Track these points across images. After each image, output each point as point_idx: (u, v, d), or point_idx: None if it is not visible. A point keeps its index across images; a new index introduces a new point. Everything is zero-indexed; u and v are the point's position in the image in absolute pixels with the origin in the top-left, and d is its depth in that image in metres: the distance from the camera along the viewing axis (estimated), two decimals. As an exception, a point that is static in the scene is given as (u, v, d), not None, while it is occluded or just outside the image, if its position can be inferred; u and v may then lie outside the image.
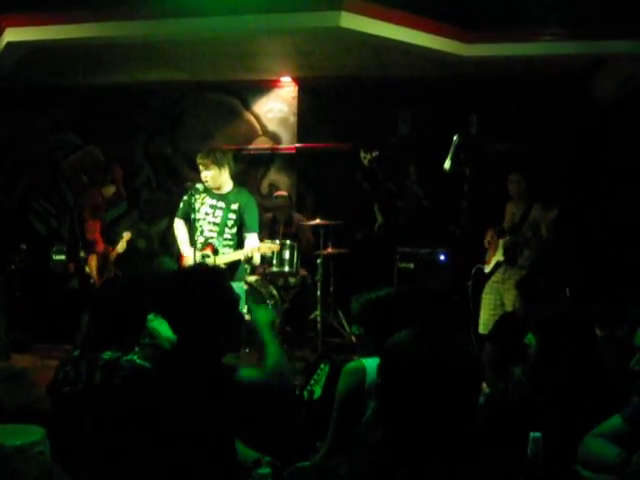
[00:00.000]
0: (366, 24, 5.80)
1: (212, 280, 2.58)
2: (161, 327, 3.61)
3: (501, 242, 6.07)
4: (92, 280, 6.66)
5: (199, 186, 5.72)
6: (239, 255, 5.66)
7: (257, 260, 5.85)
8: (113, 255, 7.07)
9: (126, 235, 7.37)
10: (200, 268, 2.73)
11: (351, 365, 2.84)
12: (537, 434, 2.05)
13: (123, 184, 8.29)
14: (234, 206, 5.77)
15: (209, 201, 5.77)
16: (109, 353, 3.03)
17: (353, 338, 3.07)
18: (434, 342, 1.69)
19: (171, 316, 2.54)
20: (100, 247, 6.88)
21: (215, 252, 5.72)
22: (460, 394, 1.66)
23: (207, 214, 5.76)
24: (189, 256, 5.71)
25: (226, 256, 5.69)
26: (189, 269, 2.69)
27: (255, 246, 5.65)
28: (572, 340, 2.74)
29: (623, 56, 6.48)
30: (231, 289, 2.65)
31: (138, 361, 3.00)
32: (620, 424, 2.45)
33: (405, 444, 1.66)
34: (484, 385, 4.10)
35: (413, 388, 1.65)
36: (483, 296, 6.17)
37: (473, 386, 1.70)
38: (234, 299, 2.60)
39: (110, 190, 7.17)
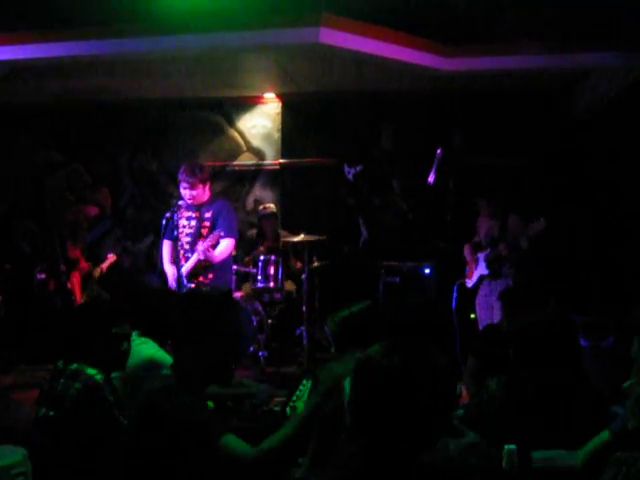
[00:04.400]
0: (345, 40, 5.81)
1: (226, 307, 2.60)
2: (141, 347, 3.61)
3: (481, 256, 6.09)
4: (73, 297, 6.64)
5: (181, 203, 5.75)
6: (194, 258, 5.67)
7: (214, 258, 5.70)
8: (96, 274, 7.06)
9: (111, 257, 7.37)
10: (217, 295, 2.73)
11: None
12: (512, 447, 2.05)
13: (110, 205, 8.28)
14: (207, 214, 5.80)
15: (185, 213, 5.85)
16: (75, 365, 3.05)
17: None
18: (404, 354, 1.69)
19: (176, 335, 2.55)
20: (82, 265, 6.86)
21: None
22: (431, 405, 1.66)
23: (184, 227, 5.84)
24: (170, 273, 5.79)
25: (187, 264, 5.72)
26: (206, 293, 2.70)
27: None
28: (548, 351, 2.73)
29: (602, 69, 6.55)
30: (239, 321, 2.68)
31: (97, 377, 3.01)
32: (607, 438, 2.43)
33: (379, 457, 1.66)
34: (466, 396, 4.11)
35: (384, 400, 1.65)
36: (477, 312, 6.17)
37: (444, 398, 1.70)
38: (240, 332, 2.63)
39: (92, 211, 7.16)
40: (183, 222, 5.82)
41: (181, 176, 5.77)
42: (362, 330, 2.87)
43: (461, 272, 6.51)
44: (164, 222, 5.83)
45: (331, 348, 3.02)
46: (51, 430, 3.02)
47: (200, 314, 2.51)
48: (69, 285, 6.77)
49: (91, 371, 3.03)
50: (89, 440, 2.92)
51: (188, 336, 2.49)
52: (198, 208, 5.83)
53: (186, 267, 5.72)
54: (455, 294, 6.27)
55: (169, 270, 5.86)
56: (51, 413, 3.02)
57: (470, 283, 6.21)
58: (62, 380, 3.03)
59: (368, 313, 3.00)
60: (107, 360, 3.18)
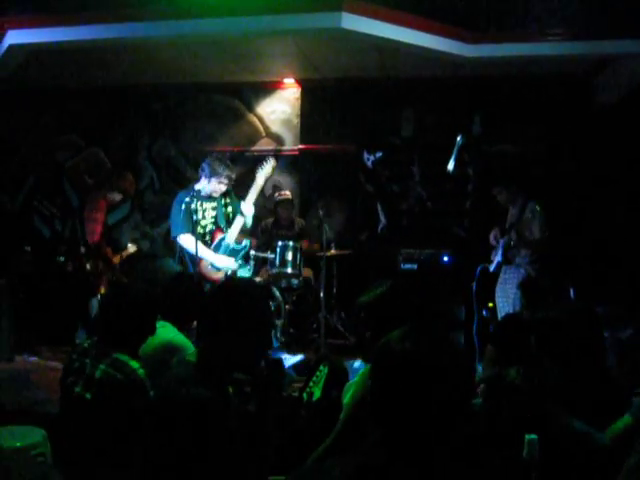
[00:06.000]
0: (367, 25, 5.78)
1: (260, 299, 2.60)
2: (160, 331, 3.62)
3: (501, 242, 6.09)
4: (92, 280, 6.67)
5: (199, 189, 6.02)
6: (241, 220, 6.12)
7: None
8: (117, 260, 7.07)
9: (131, 247, 7.37)
10: (251, 285, 2.72)
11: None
12: (533, 436, 2.03)
13: (133, 192, 8.29)
14: (226, 202, 6.24)
15: (206, 204, 6.10)
16: (118, 354, 3.05)
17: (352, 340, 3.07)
18: (421, 340, 1.67)
19: (208, 323, 2.55)
20: (102, 250, 6.87)
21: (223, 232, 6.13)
22: (447, 392, 1.63)
23: (205, 217, 6.08)
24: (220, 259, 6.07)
25: (235, 226, 6.11)
26: (244, 285, 2.70)
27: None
28: (573, 341, 2.71)
29: (626, 56, 6.46)
30: (270, 313, 2.67)
31: (140, 372, 3.02)
32: (630, 422, 2.46)
33: (398, 444, 1.64)
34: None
35: (402, 386, 1.63)
36: (496, 299, 6.16)
37: (461, 384, 1.66)
38: (271, 325, 2.65)
39: (116, 197, 7.18)
40: (208, 212, 6.10)
41: (225, 172, 6.02)
42: (389, 313, 2.82)
43: (479, 260, 6.48)
44: (183, 207, 5.85)
45: (366, 333, 2.96)
46: (86, 411, 3.02)
47: (238, 305, 2.51)
48: (88, 268, 6.79)
49: (135, 364, 3.04)
50: (126, 429, 2.92)
51: (223, 325, 2.49)
52: (215, 199, 6.16)
53: (235, 228, 6.12)
54: (477, 277, 6.24)
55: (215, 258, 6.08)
56: (88, 396, 3.01)
57: (491, 267, 6.21)
58: (102, 367, 3.02)
59: (394, 295, 2.95)
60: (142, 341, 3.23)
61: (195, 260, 5.86)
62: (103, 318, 3.25)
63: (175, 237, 6.06)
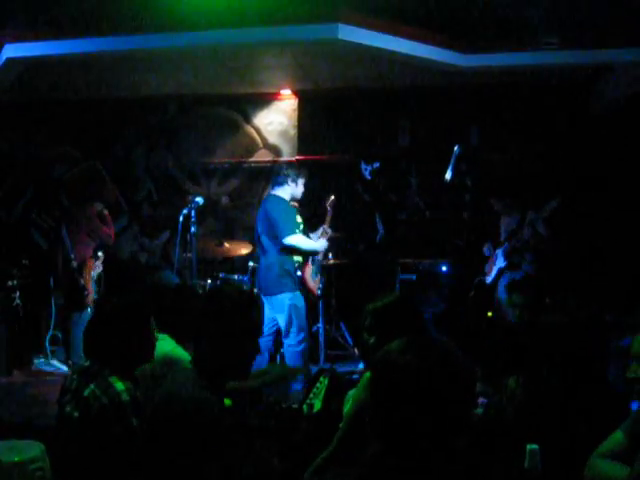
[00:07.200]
0: (364, 36, 5.80)
1: (247, 306, 2.59)
2: (159, 344, 3.60)
3: (499, 251, 6.09)
4: (86, 292, 6.61)
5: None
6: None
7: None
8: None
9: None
10: (239, 292, 2.71)
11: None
12: (534, 446, 2.01)
13: (124, 199, 8.27)
14: None
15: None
16: (107, 372, 3.01)
17: (356, 350, 3.06)
18: (422, 351, 1.65)
19: (196, 330, 2.54)
20: (89, 263, 6.81)
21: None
22: (449, 403, 1.61)
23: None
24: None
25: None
26: (230, 291, 2.67)
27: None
28: (577, 350, 2.69)
29: (622, 65, 6.48)
30: (258, 320, 2.67)
31: (124, 396, 2.97)
32: (621, 439, 2.32)
33: (397, 456, 1.63)
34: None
35: (401, 398, 1.61)
36: (499, 308, 6.13)
37: (462, 395, 1.65)
38: (259, 331, 2.65)
39: (98, 207, 7.13)
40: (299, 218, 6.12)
41: (303, 173, 6.22)
42: (398, 321, 2.80)
43: (478, 270, 6.48)
44: (290, 207, 6.11)
45: (370, 339, 2.93)
46: (74, 430, 2.99)
47: (223, 312, 2.50)
48: (82, 281, 6.73)
49: (120, 386, 2.99)
50: (110, 450, 2.89)
51: (209, 332, 2.49)
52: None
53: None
54: (473, 291, 6.23)
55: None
56: (75, 414, 2.98)
57: (489, 279, 6.20)
58: (92, 386, 2.98)
59: (404, 304, 2.94)
60: (136, 360, 3.17)
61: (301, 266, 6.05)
62: (85, 336, 3.21)
63: (287, 237, 5.87)
